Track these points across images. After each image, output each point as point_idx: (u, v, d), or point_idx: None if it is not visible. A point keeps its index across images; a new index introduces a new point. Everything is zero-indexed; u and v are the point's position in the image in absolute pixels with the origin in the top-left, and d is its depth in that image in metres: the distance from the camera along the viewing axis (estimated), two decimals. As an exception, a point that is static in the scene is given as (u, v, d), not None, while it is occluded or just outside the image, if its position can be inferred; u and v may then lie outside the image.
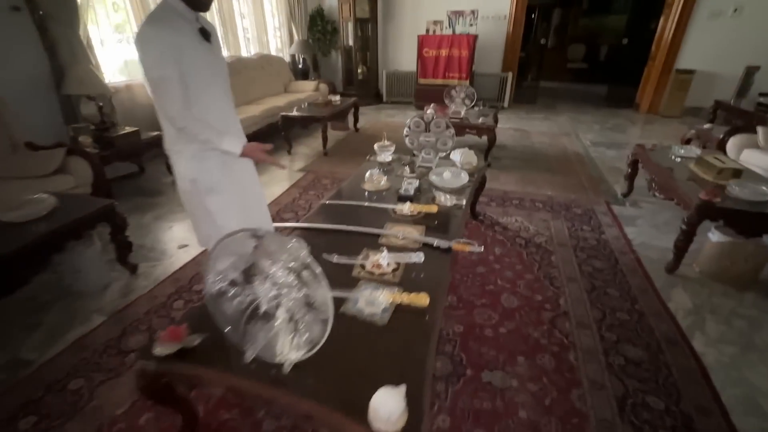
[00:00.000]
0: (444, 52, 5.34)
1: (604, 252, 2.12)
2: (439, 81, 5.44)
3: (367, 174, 1.91)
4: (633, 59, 5.85)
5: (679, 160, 2.33)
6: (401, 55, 6.16)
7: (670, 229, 2.36)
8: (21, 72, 2.54)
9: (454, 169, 1.98)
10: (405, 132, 2.18)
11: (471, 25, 5.50)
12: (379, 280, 1.17)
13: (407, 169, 2.05)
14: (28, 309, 1.70)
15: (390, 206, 1.63)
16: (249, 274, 0.91)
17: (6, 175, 2.09)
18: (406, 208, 1.58)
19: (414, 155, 2.22)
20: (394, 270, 1.21)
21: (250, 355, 0.87)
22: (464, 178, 1.89)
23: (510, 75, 5.66)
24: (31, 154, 2.26)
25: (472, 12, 5.46)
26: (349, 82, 6.21)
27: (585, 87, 7.87)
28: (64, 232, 1.58)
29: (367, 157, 2.32)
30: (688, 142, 3.18)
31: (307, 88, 5.08)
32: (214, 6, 4.26)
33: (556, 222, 2.46)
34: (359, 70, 6.10)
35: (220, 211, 1.45)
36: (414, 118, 2.14)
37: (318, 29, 5.97)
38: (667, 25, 5.09)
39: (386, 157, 2.27)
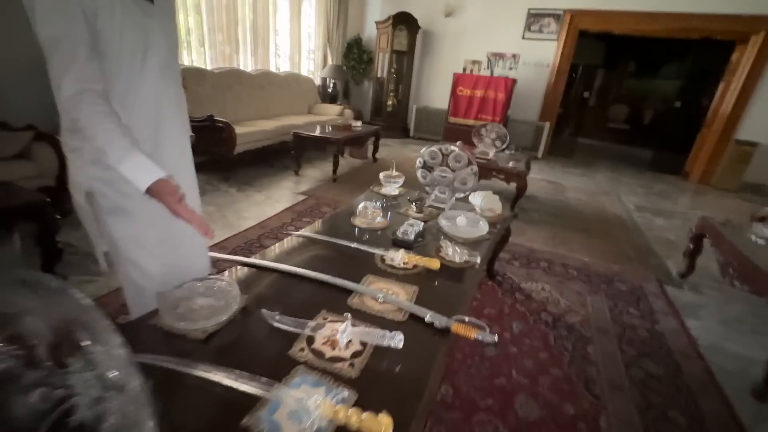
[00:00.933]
0: (479, 93, 5.08)
1: (659, 351, 1.60)
2: (471, 121, 5.14)
3: (360, 206, 1.52)
4: (683, 125, 5.41)
5: (763, 242, 1.83)
6: (434, 92, 5.96)
7: (745, 329, 1.81)
8: (21, 53, 2.39)
9: (471, 215, 1.57)
10: (418, 163, 1.80)
11: (511, 68, 5.26)
12: (327, 371, 0.74)
13: (413, 206, 1.65)
14: None
15: (378, 251, 1.22)
16: (62, 348, 0.50)
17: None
18: (399, 257, 1.16)
19: (426, 192, 1.82)
20: (355, 355, 0.78)
21: None
22: (483, 227, 1.46)
23: (547, 125, 5.31)
24: (-3, 135, 2.02)
25: (514, 56, 5.24)
26: (378, 112, 6.03)
27: (626, 149, 7.43)
28: None
29: (371, 187, 1.94)
30: (761, 220, 2.64)
31: (331, 111, 4.89)
32: (246, 18, 4.27)
33: (594, 298, 1.96)
34: (389, 102, 5.92)
35: (128, 241, 0.99)
36: (431, 147, 1.76)
37: (354, 57, 5.90)
38: (727, 93, 4.66)
39: (392, 189, 1.88)
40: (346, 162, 4.29)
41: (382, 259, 1.19)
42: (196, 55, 3.75)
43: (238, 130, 3.17)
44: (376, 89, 5.97)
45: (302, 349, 0.79)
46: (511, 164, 2.97)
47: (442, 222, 1.47)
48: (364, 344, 0.81)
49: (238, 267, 1.12)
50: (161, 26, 0.94)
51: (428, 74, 5.97)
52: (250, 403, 0.66)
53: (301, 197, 3.01)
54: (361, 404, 0.66)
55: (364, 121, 4.64)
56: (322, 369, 0.75)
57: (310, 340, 0.82)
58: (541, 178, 4.42)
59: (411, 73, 5.84)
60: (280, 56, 4.86)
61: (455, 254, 1.24)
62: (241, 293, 0.92)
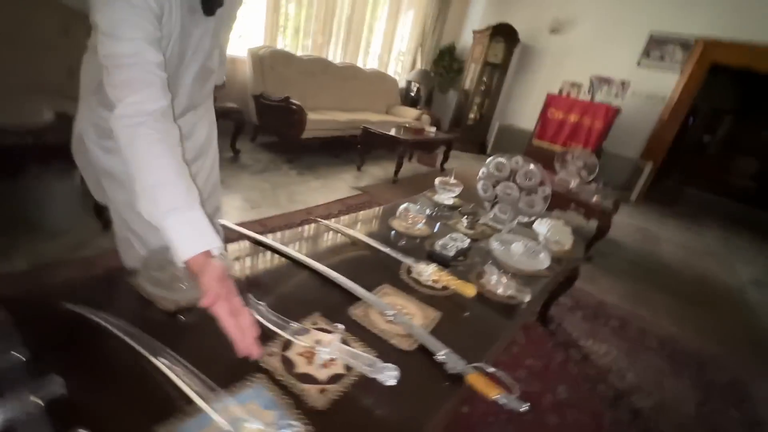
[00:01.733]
0: (573, 118, 4.59)
1: (764, 479, 1.17)
2: (557, 147, 4.67)
3: (402, 207, 1.34)
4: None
5: None
6: (521, 110, 5.56)
7: None
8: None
9: (533, 244, 1.30)
10: (481, 173, 1.58)
11: (616, 96, 4.68)
12: (289, 390, 0.57)
13: (465, 220, 1.43)
14: None
15: (407, 260, 1.03)
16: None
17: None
18: (429, 271, 0.96)
19: (483, 208, 1.58)
20: (333, 380, 0.61)
21: None
22: (544, 261, 1.19)
23: (649, 166, 4.62)
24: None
25: (622, 83, 4.65)
26: (457, 123, 5.79)
27: (749, 210, 6.21)
28: (46, 148, 1.33)
29: (425, 192, 1.76)
30: None
31: (409, 115, 4.79)
32: (343, 12, 4.34)
33: (677, 382, 1.53)
34: (471, 115, 5.66)
35: (124, 204, 0.90)
36: (497, 158, 1.52)
37: (443, 64, 5.75)
38: None
39: (446, 198, 1.67)
40: (412, 166, 4.14)
41: (409, 271, 1.00)
42: (289, 40, 3.90)
43: (311, 116, 3.20)
44: (460, 100, 5.74)
45: (272, 354, 0.64)
46: (595, 198, 2.56)
47: (494, 244, 1.23)
48: (346, 369, 0.64)
49: (246, 241, 1.01)
50: (208, 37, 0.82)
51: (519, 91, 5.58)
52: (181, 405, 0.52)
53: (357, 192, 2.93)
54: (310, 453, 0.49)
55: (441, 131, 4.46)
56: (284, 385, 0.58)
57: (287, 345, 0.67)
58: (631, 223, 3.82)
59: (500, 88, 5.51)
60: (369, 53, 4.90)
61: (499, 285, 1.00)
62: (233, 271, 0.81)
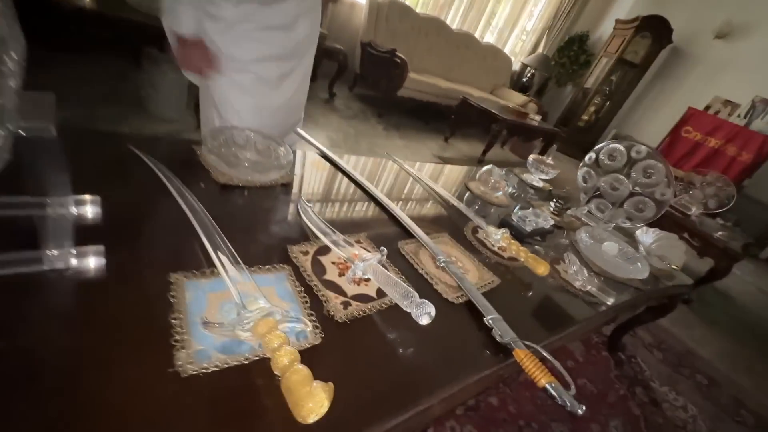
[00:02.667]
0: (713, 143, 3.82)
1: None
2: (681, 173, 3.96)
3: (485, 168, 1.20)
4: None
5: None
6: (646, 122, 4.79)
7: None
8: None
9: (630, 250, 1.07)
10: (587, 158, 1.34)
11: (782, 128, 3.77)
12: (312, 291, 0.51)
13: (552, 205, 1.23)
14: (94, 80, 1.68)
15: (476, 220, 0.90)
16: None
17: None
18: (498, 236, 0.83)
19: (582, 200, 1.36)
20: (359, 299, 0.53)
21: None
22: (641, 270, 0.97)
23: (800, 222, 3.70)
24: None
25: (797, 115, 3.71)
26: (565, 122, 5.21)
27: None
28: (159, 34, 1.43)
29: (511, 168, 1.57)
30: None
31: (515, 100, 4.40)
32: None
33: (770, 473, 1.21)
34: (584, 117, 5.04)
35: (220, 95, 0.92)
36: (614, 142, 1.27)
37: (569, 54, 5.14)
38: None
39: (537, 178, 1.48)
40: (502, 153, 3.84)
41: (474, 231, 0.88)
42: (412, -5, 3.76)
43: (413, 75, 3.08)
44: (576, 97, 5.12)
45: (306, 253, 0.58)
46: (719, 234, 2.10)
47: (582, 236, 1.04)
48: (380, 295, 0.56)
49: (313, 154, 0.97)
50: None
51: (651, 100, 4.79)
52: (202, 266, 0.48)
53: (438, 162, 2.79)
54: (313, 358, 0.42)
55: (547, 125, 4.04)
56: (309, 285, 0.52)
57: (323, 251, 0.60)
58: (752, 281, 3.13)
59: (629, 93, 4.78)
60: (490, 25, 4.54)
61: (579, 275, 0.83)
62: (294, 172, 0.76)
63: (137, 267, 0.45)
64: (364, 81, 3.45)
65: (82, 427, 0.30)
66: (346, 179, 0.90)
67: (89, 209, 0.49)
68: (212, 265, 0.48)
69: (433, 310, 0.50)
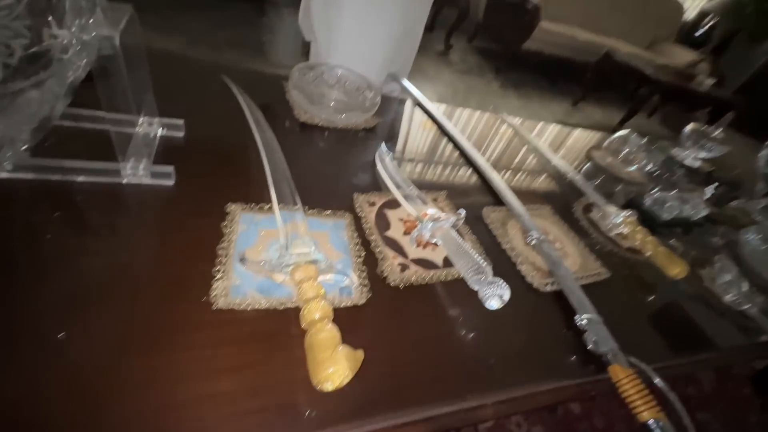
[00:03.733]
0: None
1: None
2: None
3: (617, 135, 0.95)
4: None
5: None
6: None
7: None
8: None
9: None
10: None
11: None
12: (368, 246, 0.46)
13: (708, 191, 0.94)
14: (223, 25, 1.84)
15: (594, 196, 0.72)
16: None
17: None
18: (619, 219, 0.65)
19: (759, 191, 1.01)
20: (421, 263, 0.46)
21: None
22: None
23: None
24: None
25: None
26: (750, 91, 3.98)
27: None
28: None
29: (657, 139, 1.24)
30: None
31: (679, 57, 3.49)
32: None
33: None
34: (785, 83, 3.76)
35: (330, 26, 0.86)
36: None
37: (778, -4, 3.79)
38: None
39: (692, 155, 1.14)
40: (648, 124, 3.15)
41: (587, 209, 0.71)
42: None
43: (545, 24, 2.65)
44: (776, 57, 3.83)
45: (372, 204, 0.52)
46: None
47: (749, 237, 0.77)
48: (447, 264, 0.47)
49: (408, 101, 0.88)
50: None
51: None
52: (261, 201, 0.46)
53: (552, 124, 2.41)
54: (351, 319, 0.37)
55: (722, 90, 3.13)
56: (366, 238, 0.47)
57: (392, 204, 0.54)
58: None
59: None
60: (662, -40, 3.58)
61: (734, 288, 0.61)
62: (382, 118, 0.70)
63: (202, 192, 0.45)
64: (487, 31, 3.11)
65: (113, 331, 0.30)
66: (437, 132, 0.80)
67: (171, 131, 0.50)
68: (269, 202, 0.45)
69: (507, 293, 0.40)
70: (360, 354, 0.32)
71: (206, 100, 0.63)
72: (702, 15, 3.92)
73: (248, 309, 0.35)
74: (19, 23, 0.26)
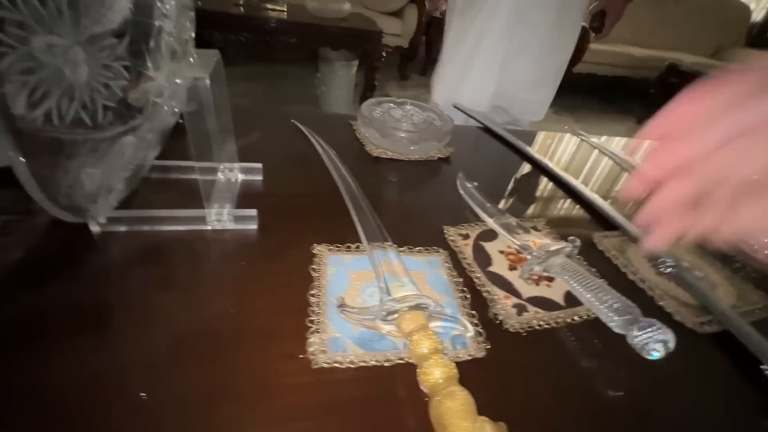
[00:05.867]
0: None
1: None
2: None
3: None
4: None
5: None
6: None
7: None
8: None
9: None
10: None
11: None
12: (474, 286, 0.39)
13: None
14: (280, 85, 1.97)
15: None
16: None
17: None
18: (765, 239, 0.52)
19: None
20: (539, 303, 0.38)
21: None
22: None
23: None
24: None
25: None
26: None
27: None
28: (335, 34, 1.57)
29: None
30: None
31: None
32: None
33: None
34: None
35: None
36: None
37: None
38: None
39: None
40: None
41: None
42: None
43: (593, 46, 2.56)
44: None
45: (465, 236, 0.46)
46: None
47: None
48: (570, 302, 0.39)
49: (476, 126, 0.83)
50: None
51: None
52: (348, 241, 0.42)
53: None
54: (473, 377, 0.29)
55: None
56: (467, 275, 0.40)
57: (487, 236, 0.47)
58: None
59: None
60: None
61: None
62: (448, 144, 0.66)
63: (285, 234, 0.42)
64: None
65: (196, 393, 0.26)
66: (514, 155, 0.73)
67: (252, 176, 0.49)
68: (358, 239, 0.41)
69: (672, 339, 0.31)
70: (502, 427, 0.24)
71: (280, 144, 0.63)
72: (772, 15, 3.60)
73: (351, 367, 0.29)
74: (119, 64, 0.25)
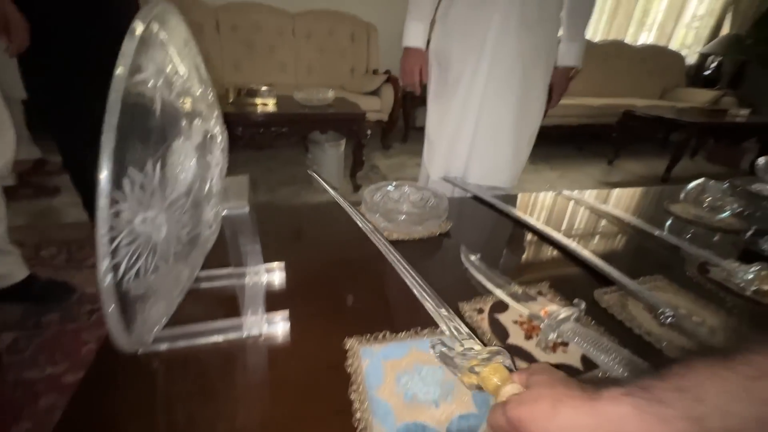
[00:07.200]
0: None
1: None
2: None
3: (691, 185, 0.91)
4: None
5: None
6: None
7: None
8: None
9: None
10: None
11: None
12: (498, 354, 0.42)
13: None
14: (274, 169, 2.07)
15: (702, 253, 0.66)
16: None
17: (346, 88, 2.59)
18: (748, 275, 0.58)
19: None
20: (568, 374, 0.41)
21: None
22: None
23: None
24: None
25: None
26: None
27: None
28: (322, 120, 1.71)
29: (730, 179, 1.17)
30: None
31: (698, 98, 3.53)
32: None
33: None
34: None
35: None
36: None
37: (773, 25, 3.92)
38: None
39: (778, 187, 1.05)
40: (695, 165, 3.03)
41: (703, 269, 0.64)
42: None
43: (556, 101, 2.83)
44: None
45: (480, 311, 0.50)
46: None
47: None
48: (587, 365, 0.42)
49: (467, 198, 0.91)
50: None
51: None
52: (372, 328, 0.45)
53: (601, 187, 2.37)
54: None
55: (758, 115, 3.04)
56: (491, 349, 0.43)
57: (499, 307, 0.51)
58: None
59: None
60: (644, 25, 3.90)
61: None
62: (451, 220, 0.72)
63: (316, 331, 0.45)
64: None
65: None
66: (507, 220, 0.80)
67: (277, 276, 0.53)
68: (383, 327, 0.44)
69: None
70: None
71: (297, 239, 0.68)
72: (703, 57, 4.07)
73: (403, 464, 0.31)
74: (188, 215, 0.30)
